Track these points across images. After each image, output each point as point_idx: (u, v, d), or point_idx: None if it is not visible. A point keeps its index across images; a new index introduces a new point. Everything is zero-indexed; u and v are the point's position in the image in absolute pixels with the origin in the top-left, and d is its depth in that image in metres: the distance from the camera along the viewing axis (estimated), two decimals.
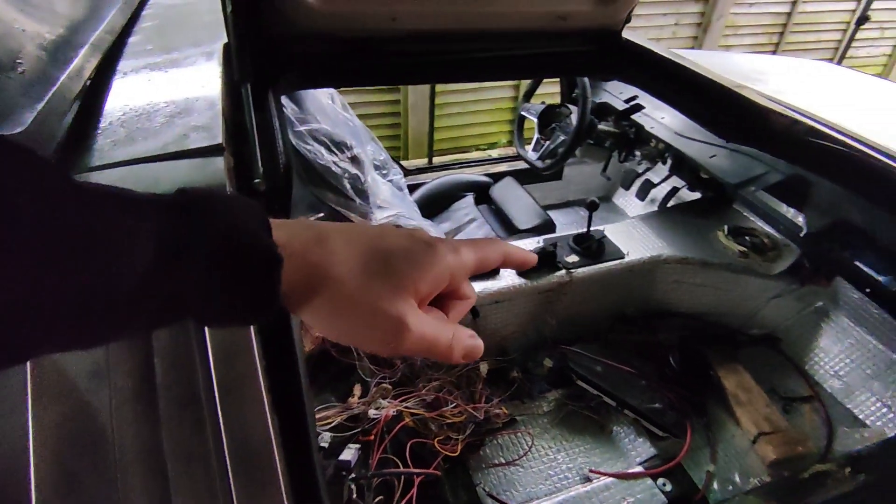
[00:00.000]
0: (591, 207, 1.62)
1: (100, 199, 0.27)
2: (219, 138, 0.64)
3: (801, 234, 1.71)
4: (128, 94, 0.75)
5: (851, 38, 3.95)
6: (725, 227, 1.88)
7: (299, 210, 1.55)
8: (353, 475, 1.06)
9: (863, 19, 3.75)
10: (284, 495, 0.54)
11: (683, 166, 2.04)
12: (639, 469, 1.42)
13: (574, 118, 1.87)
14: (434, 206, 2.24)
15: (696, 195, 2.13)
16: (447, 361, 0.37)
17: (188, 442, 0.54)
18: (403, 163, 3.23)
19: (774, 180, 1.53)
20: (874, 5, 3.99)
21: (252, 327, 0.56)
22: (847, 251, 1.55)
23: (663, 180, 2.27)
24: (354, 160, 1.46)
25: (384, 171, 1.99)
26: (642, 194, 2.35)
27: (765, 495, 1.22)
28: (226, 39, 0.90)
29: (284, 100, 1.38)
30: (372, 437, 1.17)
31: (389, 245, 0.34)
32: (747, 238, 1.86)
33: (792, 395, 1.68)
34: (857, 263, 1.54)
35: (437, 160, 3.26)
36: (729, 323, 1.85)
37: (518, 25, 1.02)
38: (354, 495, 1.04)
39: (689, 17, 3.62)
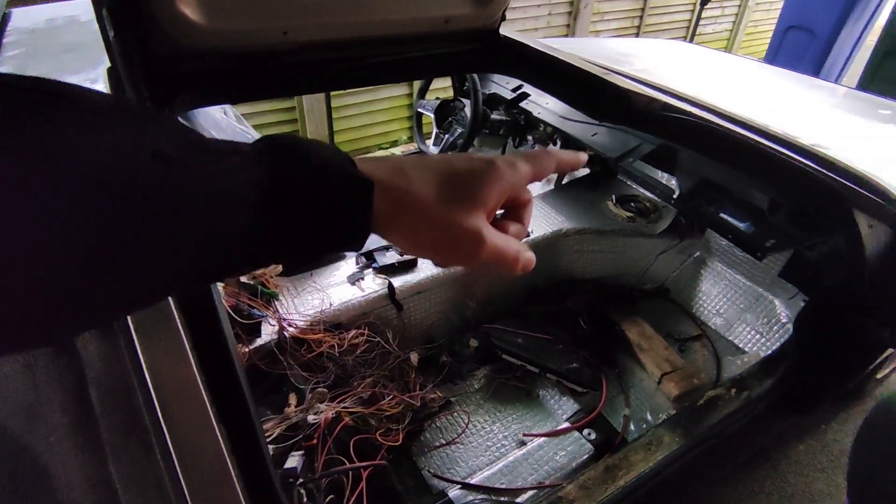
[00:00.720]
0: None
1: (205, 153, 0.29)
2: None
3: (675, 196, 1.94)
4: None
5: (698, 18, 4.45)
6: (613, 197, 2.08)
7: None
8: (300, 480, 1.08)
9: (705, 0, 4.23)
10: None
11: (571, 145, 2.22)
12: (566, 425, 1.56)
13: (468, 111, 1.97)
14: None
15: (586, 171, 2.33)
16: (512, 272, 0.41)
17: (138, 467, 0.55)
18: None
19: (647, 151, 1.73)
20: None
21: (185, 340, 0.57)
22: (712, 206, 1.79)
23: None
24: None
25: None
26: None
27: (671, 425, 1.39)
28: (107, 63, 0.87)
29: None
30: (315, 442, 1.19)
31: (457, 168, 0.38)
32: (632, 204, 2.08)
33: (685, 336, 1.91)
34: (722, 215, 1.77)
35: None
36: (626, 282, 2.06)
37: (405, 30, 1.08)
38: (305, 499, 1.06)
39: (561, 7, 3.89)
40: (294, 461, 1.11)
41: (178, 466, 0.55)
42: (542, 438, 1.52)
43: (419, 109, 2.18)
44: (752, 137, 1.27)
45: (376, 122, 3.49)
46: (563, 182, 2.41)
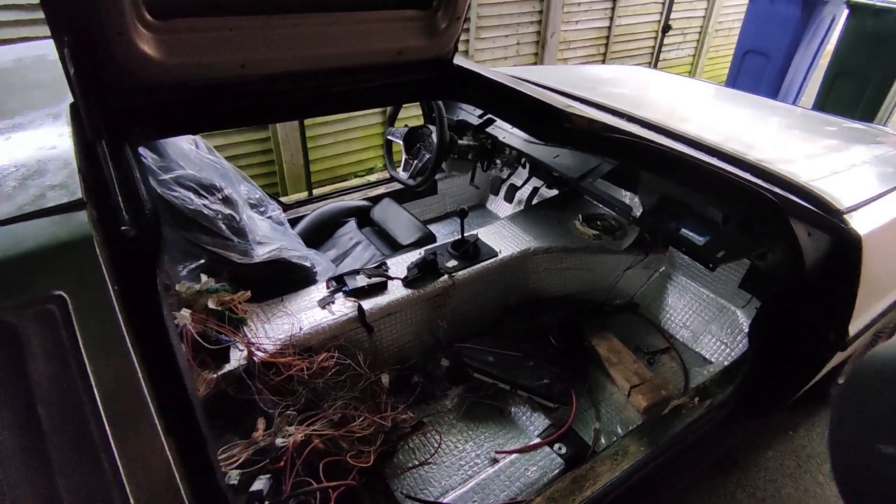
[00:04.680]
0: (462, 215, 1.79)
1: None
2: (78, 194, 0.67)
3: (638, 213, 2.01)
4: None
5: (661, 45, 4.66)
6: (580, 216, 2.15)
7: (178, 258, 1.53)
8: (266, 503, 1.09)
9: (666, 28, 4.44)
10: None
11: (539, 168, 2.29)
12: (537, 440, 1.57)
13: (435, 137, 2.03)
14: (318, 235, 2.28)
15: (555, 191, 2.40)
16: None
17: (87, 482, 0.56)
18: (284, 199, 3.22)
19: (606, 170, 1.80)
20: (673, 15, 4.74)
21: (134, 357, 0.60)
22: (673, 222, 1.85)
23: (525, 182, 2.53)
24: (226, 201, 1.48)
25: (261, 209, 2.00)
26: (509, 197, 2.59)
27: (637, 435, 1.42)
28: (70, 99, 0.91)
29: (144, 150, 1.37)
30: (282, 465, 1.19)
31: None
32: (598, 223, 2.14)
33: (653, 349, 1.95)
34: (683, 230, 1.84)
35: (317, 192, 3.29)
36: (595, 297, 2.11)
37: (360, 62, 1.14)
38: None
39: (528, 37, 4.05)
40: (260, 484, 1.12)
41: (126, 480, 0.57)
42: (514, 455, 1.53)
43: (388, 137, 2.24)
44: (695, 155, 1.34)
45: (351, 151, 3.56)
46: (533, 203, 2.48)
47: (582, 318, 2.01)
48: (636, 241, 2.11)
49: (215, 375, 1.29)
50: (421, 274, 1.70)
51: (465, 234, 1.85)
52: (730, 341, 1.90)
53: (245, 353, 1.36)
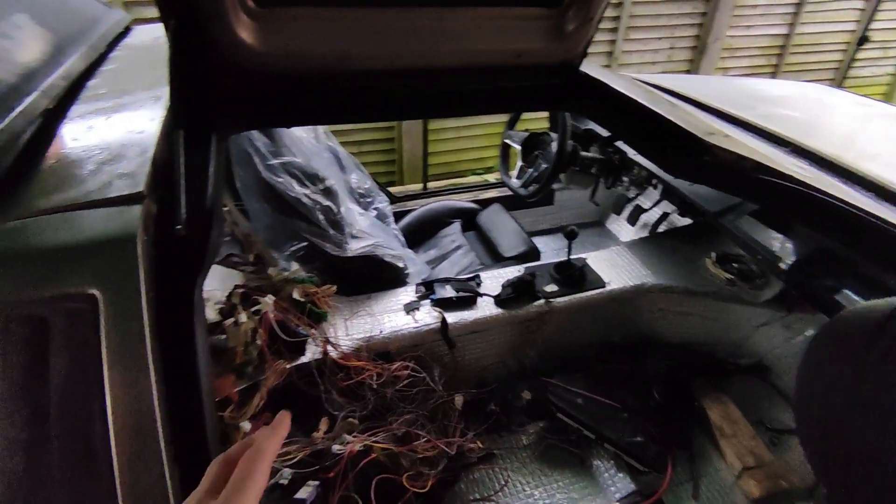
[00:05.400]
0: (570, 236, 1.61)
1: None
2: (140, 186, 0.65)
3: (788, 261, 1.67)
4: (69, 140, 0.76)
5: (852, 59, 3.92)
6: (713, 255, 1.84)
7: (280, 241, 1.56)
8: None
9: (863, 39, 3.73)
10: None
11: (673, 192, 2.02)
12: None
13: (555, 147, 1.86)
14: (421, 233, 2.24)
15: (688, 220, 2.10)
16: None
17: (84, 496, 0.53)
18: (399, 188, 3.26)
19: (753, 209, 1.51)
20: (874, 25, 3.97)
21: (153, 372, 0.55)
22: (831, 280, 1.51)
23: (654, 205, 2.24)
24: (327, 192, 1.47)
25: (369, 199, 2.00)
26: (633, 219, 2.33)
27: None
28: None
29: (256, 133, 1.40)
30: (332, 475, 1.15)
31: None
32: (734, 265, 1.82)
33: (780, 426, 1.62)
34: (846, 292, 1.49)
35: (432, 185, 3.28)
36: (717, 352, 1.81)
37: (473, 62, 1.03)
38: None
39: (685, 41, 3.63)
40: (306, 492, 1.08)
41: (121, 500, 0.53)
42: None
43: (506, 140, 2.12)
44: (878, 211, 1.04)
45: (472, 147, 3.48)
46: (660, 229, 2.20)
47: (694, 373, 1.73)
48: (779, 295, 1.76)
49: (288, 366, 1.28)
50: (515, 294, 1.56)
51: (572, 258, 1.67)
52: None
53: (320, 348, 1.34)
